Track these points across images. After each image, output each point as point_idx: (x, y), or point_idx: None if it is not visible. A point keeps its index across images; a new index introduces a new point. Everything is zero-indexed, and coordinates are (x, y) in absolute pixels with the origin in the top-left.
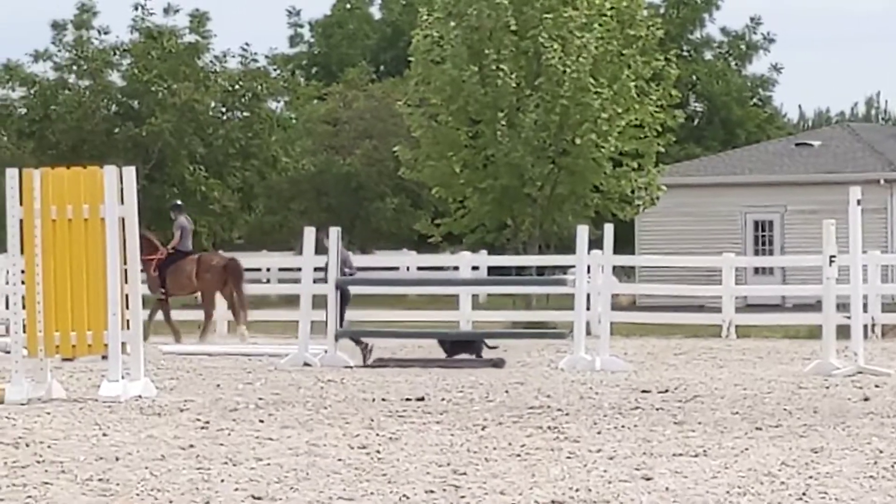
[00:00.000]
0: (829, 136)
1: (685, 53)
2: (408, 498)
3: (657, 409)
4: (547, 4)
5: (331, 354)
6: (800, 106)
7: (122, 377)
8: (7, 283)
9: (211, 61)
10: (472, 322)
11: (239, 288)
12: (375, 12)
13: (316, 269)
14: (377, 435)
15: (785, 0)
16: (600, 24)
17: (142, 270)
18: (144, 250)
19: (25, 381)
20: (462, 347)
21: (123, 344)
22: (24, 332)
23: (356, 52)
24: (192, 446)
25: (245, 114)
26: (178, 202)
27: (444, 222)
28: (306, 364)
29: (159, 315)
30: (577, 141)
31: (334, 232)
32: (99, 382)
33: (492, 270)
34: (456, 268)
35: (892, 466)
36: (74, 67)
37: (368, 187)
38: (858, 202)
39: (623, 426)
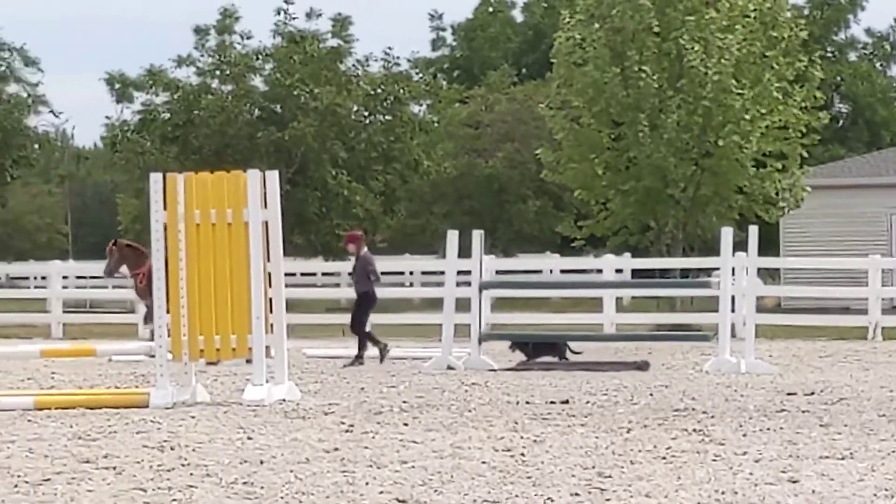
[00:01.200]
0: None
1: (829, 55)
2: (552, 501)
3: (803, 412)
4: (689, 6)
5: (474, 357)
6: None
7: (267, 381)
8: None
9: (353, 65)
10: (616, 324)
11: None
12: (517, 15)
13: (459, 273)
14: (521, 437)
15: None
16: (743, 26)
17: (134, 278)
18: (135, 262)
19: (170, 385)
20: (545, 350)
21: (267, 348)
22: (169, 336)
23: (498, 54)
24: (336, 449)
25: (387, 117)
26: None
27: (586, 224)
28: (450, 367)
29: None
30: (720, 142)
31: (477, 235)
32: (243, 386)
33: (635, 273)
34: (599, 270)
35: None
36: (217, 72)
37: (510, 190)
38: None
39: (768, 429)
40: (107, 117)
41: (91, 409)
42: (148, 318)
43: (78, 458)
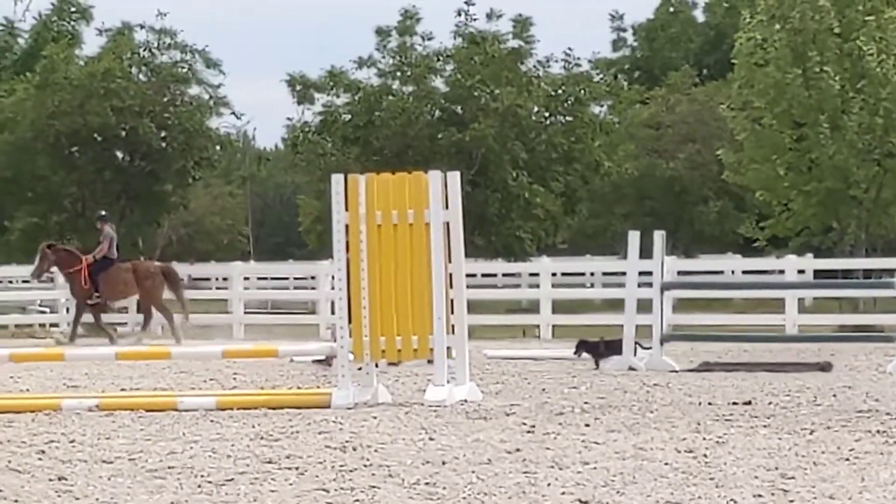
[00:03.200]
0: None
1: None
2: (735, 502)
3: None
4: (869, 6)
5: (656, 358)
6: None
7: (448, 381)
8: (333, 288)
9: (534, 66)
10: (798, 325)
11: (179, 291)
12: (699, 15)
13: (640, 274)
14: (704, 439)
15: None
16: None
17: (69, 278)
18: (66, 263)
19: (352, 385)
20: (617, 349)
21: (448, 348)
22: (350, 337)
23: (679, 55)
24: (518, 450)
25: (568, 118)
26: (104, 212)
27: (768, 225)
28: (631, 368)
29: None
30: None
31: (658, 236)
32: (424, 387)
33: (818, 273)
34: (781, 271)
35: None
36: (398, 73)
37: (691, 191)
38: None
39: None
40: (288, 119)
41: (273, 409)
42: (77, 318)
43: (260, 458)
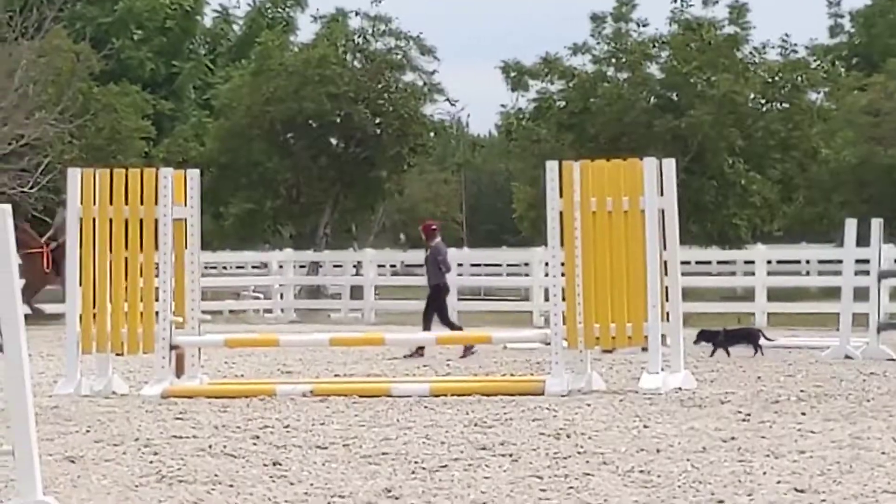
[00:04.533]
0: None
1: None
2: None
3: None
4: None
5: (872, 347)
6: None
7: (663, 369)
8: (547, 275)
9: (750, 52)
10: None
11: None
12: None
13: (857, 262)
14: None
15: None
16: None
17: (26, 259)
18: (23, 245)
19: (566, 372)
20: (738, 340)
21: (663, 336)
22: (564, 324)
23: None
24: (733, 438)
25: (785, 105)
26: (65, 196)
27: None
28: (847, 357)
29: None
30: None
31: (876, 224)
32: (638, 374)
33: None
34: None
35: None
36: (613, 60)
37: None
38: None
39: None
40: (502, 105)
41: (486, 396)
42: (27, 297)
43: (474, 444)
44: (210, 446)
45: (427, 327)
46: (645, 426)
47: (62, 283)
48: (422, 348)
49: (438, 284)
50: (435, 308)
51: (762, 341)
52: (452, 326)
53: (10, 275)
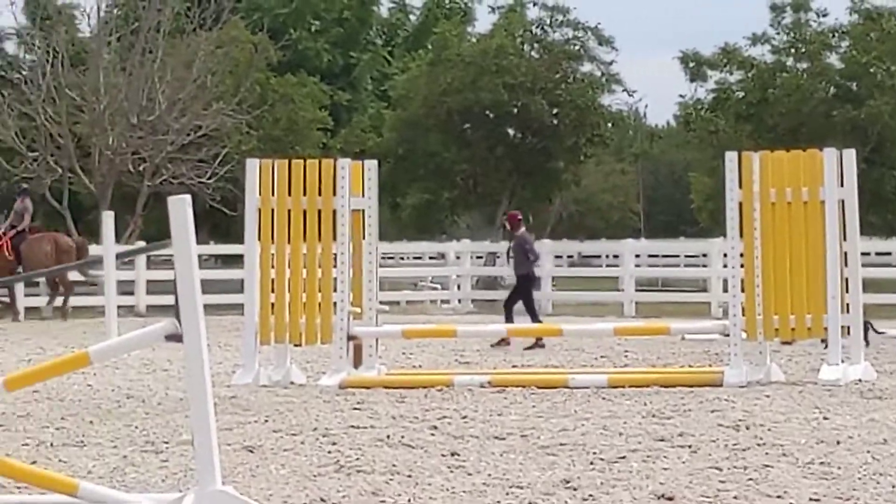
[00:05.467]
0: None
1: None
2: None
3: None
4: None
5: None
6: None
7: (842, 361)
8: (726, 266)
9: None
10: None
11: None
12: None
13: None
14: None
15: None
16: None
17: None
18: None
19: (744, 364)
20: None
21: (844, 328)
22: (743, 315)
23: None
24: None
25: None
26: (25, 186)
27: None
28: None
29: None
30: None
31: None
32: (818, 366)
33: None
34: None
35: None
36: (792, 50)
37: None
38: None
39: None
40: (680, 96)
41: (664, 387)
42: None
43: (652, 435)
44: (388, 436)
45: (509, 318)
46: (825, 418)
47: (23, 269)
48: (540, 339)
49: (527, 274)
50: (521, 298)
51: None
52: (536, 318)
53: (190, 264)
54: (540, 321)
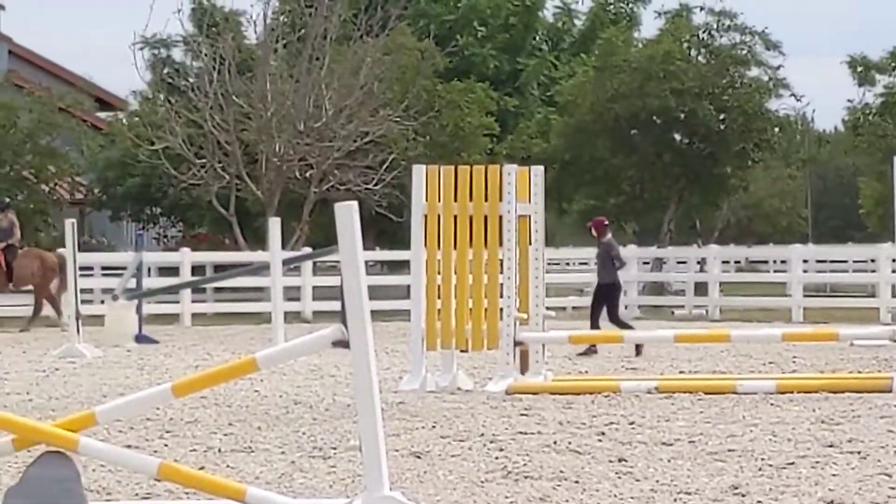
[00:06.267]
0: None
1: None
2: None
3: None
4: None
5: None
6: None
7: None
8: (895, 271)
9: None
10: None
11: (64, 282)
12: None
13: None
14: None
15: None
16: None
17: None
18: None
19: None
20: None
21: None
22: None
23: None
24: None
25: None
26: (7, 199)
27: None
28: None
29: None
30: None
31: None
32: None
33: None
34: None
35: None
36: None
37: None
38: None
39: None
40: (848, 101)
41: (833, 392)
42: None
43: (821, 441)
44: (555, 442)
45: (595, 325)
46: None
47: (14, 285)
48: (594, 346)
49: (612, 282)
50: (606, 305)
51: None
52: (622, 325)
53: (357, 270)
54: (630, 327)
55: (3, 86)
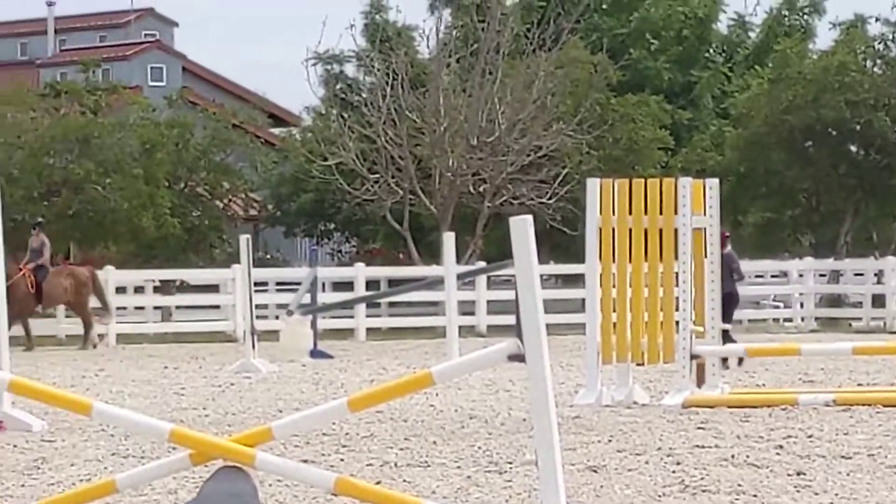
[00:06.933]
0: None
1: None
2: None
3: None
4: None
5: None
6: None
7: None
8: None
9: None
10: None
11: (103, 296)
12: None
13: None
14: None
15: None
16: None
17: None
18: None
19: None
20: None
21: None
22: None
23: None
24: None
25: None
26: (40, 219)
27: None
28: None
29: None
30: None
31: None
32: None
33: None
34: None
35: None
36: None
37: None
38: None
39: None
40: None
41: None
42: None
43: None
44: (732, 456)
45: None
46: None
47: (43, 305)
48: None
49: (730, 293)
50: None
51: None
52: (727, 339)
53: (532, 284)
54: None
55: (178, 103)
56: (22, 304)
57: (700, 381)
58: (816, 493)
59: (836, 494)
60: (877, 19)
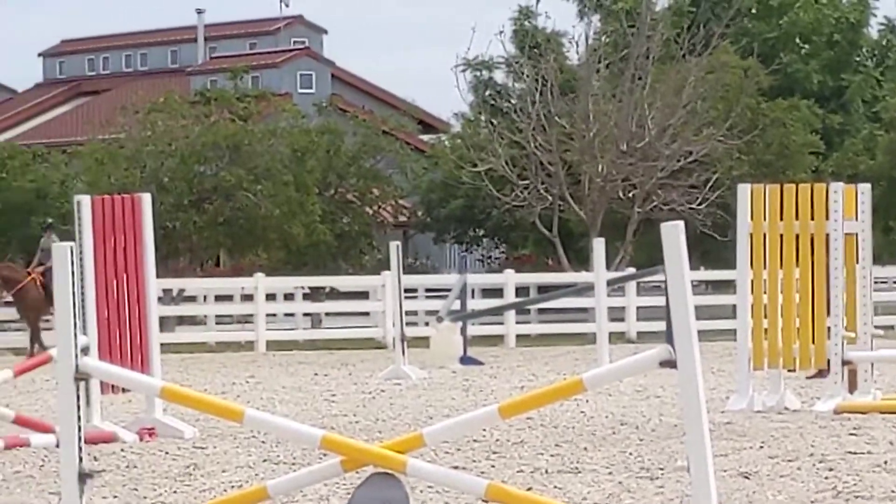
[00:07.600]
0: None
1: None
2: None
3: None
4: None
5: None
6: None
7: None
8: None
9: None
10: None
11: None
12: None
13: None
14: None
15: None
16: None
17: (17, 295)
18: (13, 281)
19: None
20: None
21: None
22: None
23: None
24: None
25: None
26: (51, 221)
27: None
28: None
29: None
30: None
31: None
32: None
33: None
34: None
35: None
36: None
37: None
38: None
39: None
40: None
41: None
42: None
43: None
44: (886, 462)
45: None
46: None
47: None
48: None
49: None
50: None
51: None
52: None
53: (683, 290)
54: None
55: (328, 110)
56: (33, 308)
57: (852, 387)
58: None
59: None
60: None
